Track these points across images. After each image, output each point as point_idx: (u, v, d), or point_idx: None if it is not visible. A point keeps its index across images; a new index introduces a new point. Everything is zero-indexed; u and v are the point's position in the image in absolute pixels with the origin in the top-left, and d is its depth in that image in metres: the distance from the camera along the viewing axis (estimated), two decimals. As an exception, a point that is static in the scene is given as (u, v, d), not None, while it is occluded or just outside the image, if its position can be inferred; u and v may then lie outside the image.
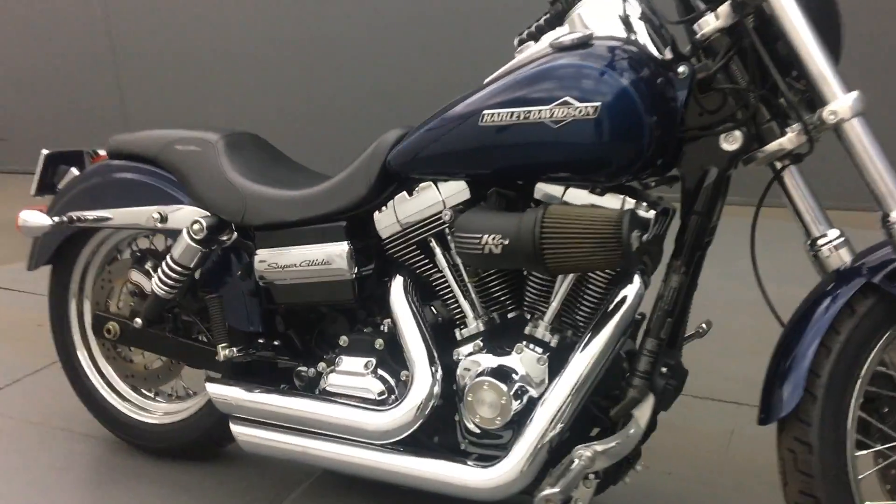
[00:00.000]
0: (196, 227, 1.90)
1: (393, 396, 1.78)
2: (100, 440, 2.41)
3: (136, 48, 6.22)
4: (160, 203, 2.03)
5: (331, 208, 1.81)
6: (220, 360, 1.91)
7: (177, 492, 2.14)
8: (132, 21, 6.16)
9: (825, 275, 1.52)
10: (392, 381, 1.79)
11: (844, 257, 1.50)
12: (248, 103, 5.86)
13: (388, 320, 1.82)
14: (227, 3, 5.82)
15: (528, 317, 1.69)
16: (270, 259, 1.88)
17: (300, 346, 2.00)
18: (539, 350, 1.64)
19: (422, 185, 1.70)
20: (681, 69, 1.51)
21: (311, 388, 1.89)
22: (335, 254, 1.80)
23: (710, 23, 1.48)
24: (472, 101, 1.60)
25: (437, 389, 1.68)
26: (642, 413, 1.52)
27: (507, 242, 1.49)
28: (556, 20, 1.63)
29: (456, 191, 1.67)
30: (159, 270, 1.99)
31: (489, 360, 1.66)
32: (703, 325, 1.81)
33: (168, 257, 1.97)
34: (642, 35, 1.57)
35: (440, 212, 1.68)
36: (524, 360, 1.64)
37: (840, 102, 1.40)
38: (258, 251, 1.90)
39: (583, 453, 1.50)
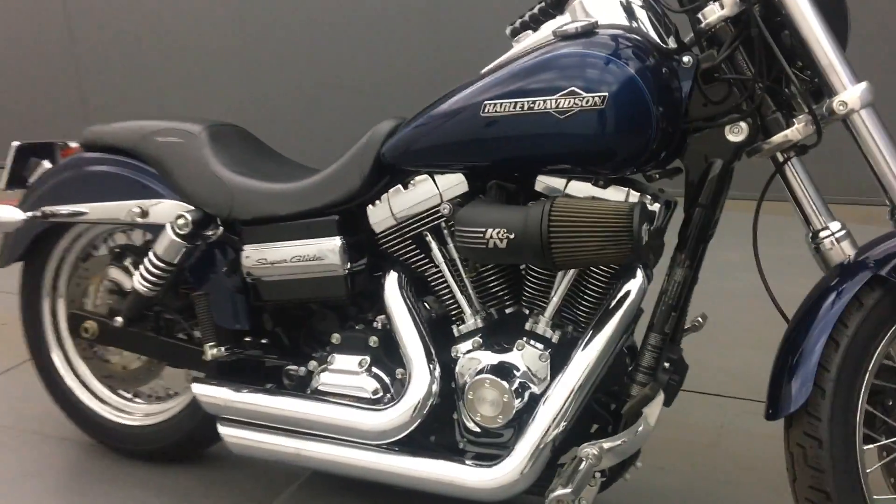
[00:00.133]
0: (181, 221, 1.83)
1: (388, 395, 1.73)
2: (74, 443, 2.32)
3: (97, 38, 6.05)
4: (140, 197, 1.95)
5: (322, 202, 1.76)
6: (207, 360, 1.84)
7: (158, 495, 2.07)
8: (92, 9, 5.99)
9: (827, 268, 1.51)
10: (387, 380, 1.75)
11: (847, 250, 1.49)
12: (218, 94, 5.71)
13: (382, 317, 1.77)
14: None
15: (527, 312, 1.65)
16: (259, 255, 1.82)
17: (288, 344, 1.95)
18: (540, 346, 1.60)
19: (417, 177, 1.65)
20: (685, 59, 1.48)
21: (302, 388, 1.84)
22: (327, 249, 1.74)
23: (714, 11, 1.45)
24: (472, 91, 1.55)
25: (435, 387, 1.63)
26: (652, 411, 1.50)
27: (512, 237, 1.45)
28: (554, 8, 1.59)
29: (453, 183, 1.62)
30: (141, 267, 1.92)
31: (489, 358, 1.62)
32: (700, 319, 1.79)
33: (150, 253, 1.90)
34: (645, 24, 1.55)
35: (437, 205, 1.64)
36: (525, 357, 1.60)
37: (850, 93, 1.39)
38: (245, 246, 1.84)
39: (590, 451, 1.47)
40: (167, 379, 2.23)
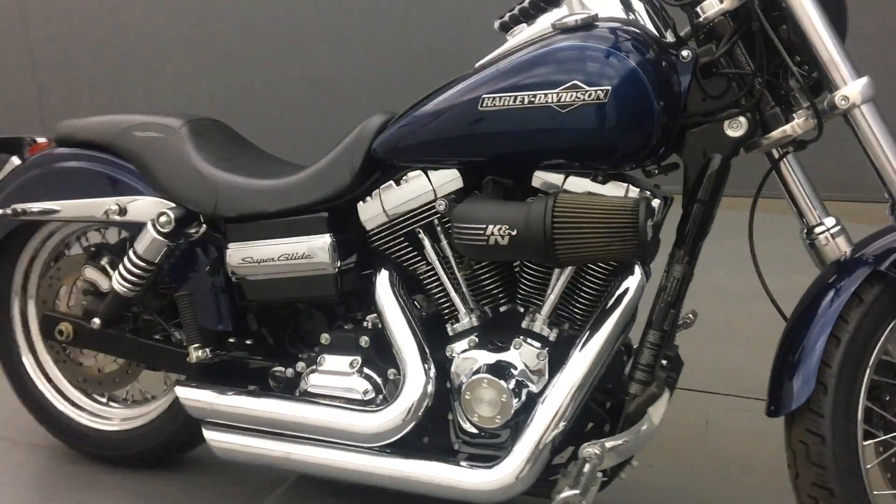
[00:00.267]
0: (162, 219, 1.77)
1: (380, 396, 1.69)
2: (45, 449, 2.24)
3: (54, 32, 5.88)
4: (117, 194, 1.89)
5: (311, 198, 1.71)
6: (191, 362, 1.78)
7: (136, 502, 2.00)
8: (48, 1, 5.82)
9: (822, 263, 1.50)
10: (379, 381, 1.71)
11: (842, 245, 1.49)
12: (183, 89, 5.58)
13: (372, 316, 1.73)
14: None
15: (523, 310, 1.63)
16: (245, 253, 1.76)
17: (273, 344, 1.89)
18: (537, 345, 1.57)
19: (410, 173, 1.61)
20: (684, 53, 1.47)
21: (290, 390, 1.79)
22: (317, 247, 1.69)
23: (713, 5, 1.44)
24: (469, 85, 1.52)
25: (431, 388, 1.60)
26: (657, 409, 1.48)
27: (514, 233, 1.42)
28: (547, 2, 1.56)
29: (448, 179, 1.59)
30: (120, 267, 1.85)
31: (486, 357, 1.59)
32: (690, 315, 1.78)
33: (130, 252, 1.83)
34: (643, 17, 1.53)
35: (431, 201, 1.60)
36: (523, 356, 1.57)
37: (851, 87, 1.38)
38: (230, 245, 1.78)
39: (592, 451, 1.44)
40: (144, 382, 2.16)
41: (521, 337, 1.58)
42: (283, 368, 1.82)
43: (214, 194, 1.78)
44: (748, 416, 2.41)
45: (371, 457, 1.62)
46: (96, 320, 1.94)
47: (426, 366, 1.60)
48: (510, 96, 1.45)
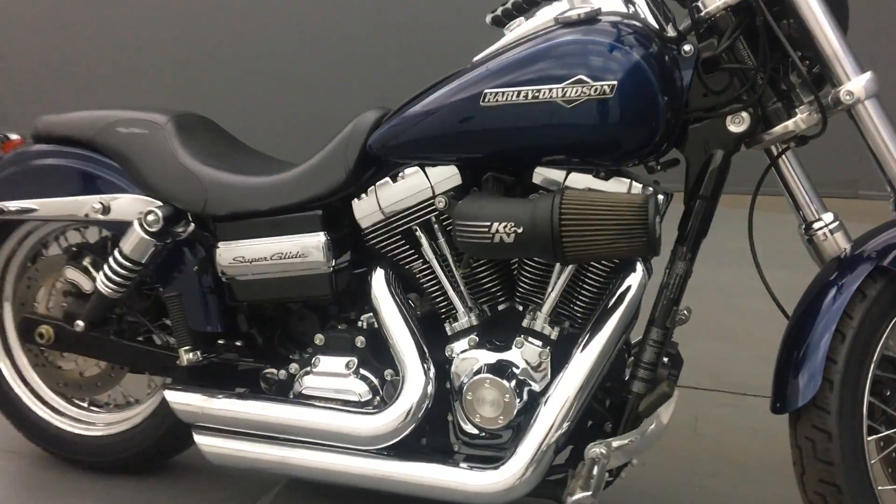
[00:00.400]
0: (150, 217, 1.72)
1: (377, 398, 1.66)
2: (23, 455, 2.16)
3: (15, 28, 5.73)
4: (99, 192, 1.83)
5: (305, 196, 1.67)
6: (182, 365, 1.73)
7: (121, 510, 1.95)
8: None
9: (820, 259, 1.51)
10: (376, 382, 1.67)
11: (840, 242, 1.49)
12: (157, 84, 5.44)
13: (367, 316, 1.70)
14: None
15: (521, 309, 1.61)
16: (236, 252, 1.72)
17: (264, 346, 1.85)
18: (539, 343, 1.55)
19: (407, 169, 1.58)
20: (686, 48, 1.45)
21: (283, 392, 1.75)
22: (311, 245, 1.66)
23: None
24: (469, 80, 1.49)
25: (431, 389, 1.57)
26: (666, 409, 1.47)
27: (520, 230, 1.40)
28: None
29: (446, 176, 1.56)
30: (105, 267, 1.79)
31: (487, 356, 1.56)
32: (685, 312, 1.77)
33: (116, 252, 1.77)
34: (645, 11, 1.51)
35: (429, 198, 1.57)
36: (525, 355, 1.55)
37: (856, 83, 1.38)
38: (220, 244, 1.74)
39: (598, 451, 1.42)
40: (126, 385, 2.09)
41: (522, 336, 1.56)
42: (274, 370, 1.78)
43: (204, 192, 1.73)
44: (736, 413, 2.42)
45: (371, 460, 1.59)
46: (80, 322, 1.87)
47: (426, 366, 1.58)
48: (513, 91, 1.42)
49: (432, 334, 1.63)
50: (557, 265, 1.53)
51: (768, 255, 1.83)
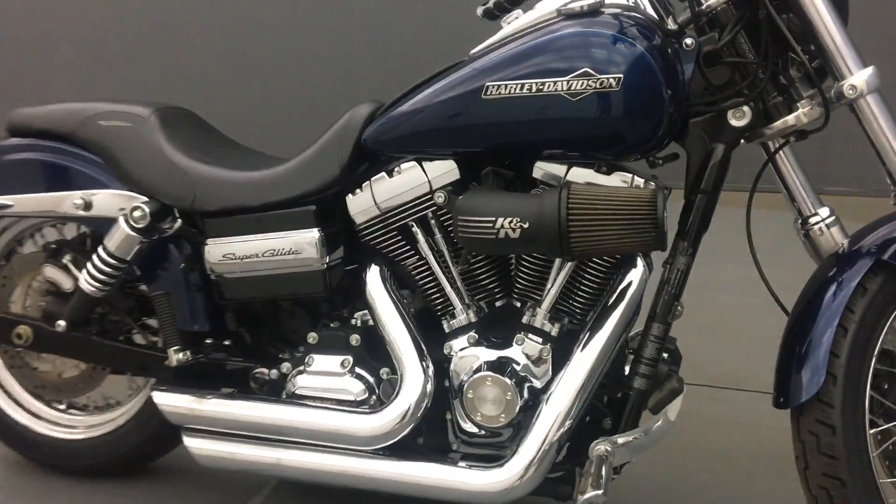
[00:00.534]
0: (137, 213, 1.66)
1: (374, 397, 1.63)
2: (-3, 461, 2.09)
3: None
4: (81, 187, 1.77)
5: (298, 191, 1.63)
6: (171, 365, 1.68)
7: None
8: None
9: (816, 253, 1.51)
10: (372, 380, 1.64)
11: (836, 236, 1.49)
12: (130, 77, 5.28)
13: (361, 313, 1.67)
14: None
15: (519, 305, 1.59)
16: (225, 249, 1.67)
17: (253, 345, 1.80)
18: (539, 340, 1.54)
19: (404, 164, 1.55)
20: (688, 41, 1.44)
21: (274, 392, 1.70)
22: (305, 242, 1.62)
23: None
24: (470, 72, 1.47)
25: (430, 387, 1.54)
26: (674, 405, 1.46)
27: (526, 226, 1.38)
28: None
29: (444, 170, 1.53)
30: (89, 265, 1.73)
31: (487, 354, 1.54)
32: (680, 307, 1.76)
33: (100, 249, 1.71)
34: (646, 3, 1.50)
35: (426, 193, 1.54)
36: (526, 352, 1.53)
37: (859, 77, 1.38)
38: (209, 240, 1.69)
39: (603, 448, 1.41)
40: (106, 386, 2.03)
41: (522, 332, 1.54)
42: (265, 370, 1.73)
43: (192, 187, 1.68)
44: (720, 406, 2.43)
45: (369, 460, 1.56)
46: (61, 322, 1.81)
47: (424, 364, 1.55)
48: (517, 84, 1.40)
49: (426, 332, 1.60)
50: (557, 261, 1.52)
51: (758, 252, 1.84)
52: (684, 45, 1.44)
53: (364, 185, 1.58)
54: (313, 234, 1.61)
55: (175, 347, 1.69)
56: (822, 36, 1.39)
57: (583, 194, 1.37)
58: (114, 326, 1.87)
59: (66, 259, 1.86)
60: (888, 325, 1.43)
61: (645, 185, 1.43)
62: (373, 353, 1.65)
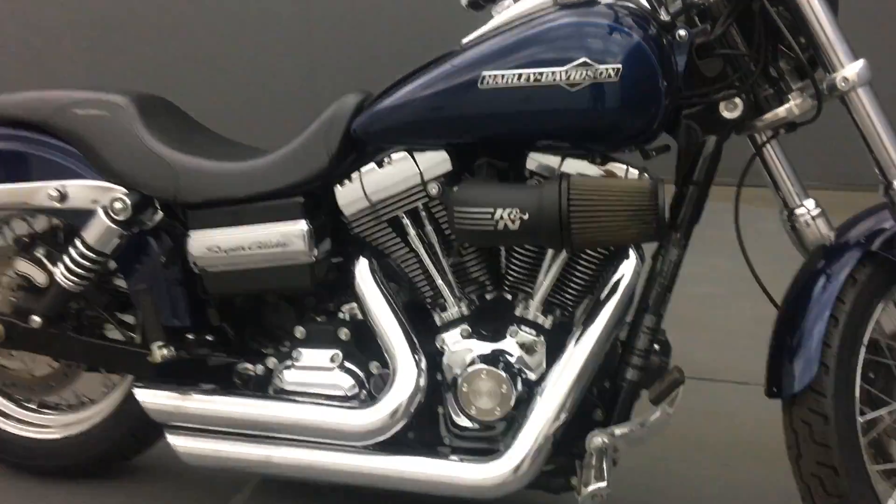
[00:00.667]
0: (117, 205, 1.61)
1: (364, 392, 1.60)
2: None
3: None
4: (55, 177, 1.70)
5: (285, 182, 1.59)
6: (155, 362, 1.63)
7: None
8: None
9: (802, 246, 1.52)
10: (362, 375, 1.61)
11: (822, 228, 1.50)
12: (98, 63, 5.08)
13: (349, 307, 1.64)
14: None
15: (511, 297, 1.57)
16: (210, 242, 1.62)
17: (237, 340, 1.76)
18: (533, 332, 1.53)
19: (395, 155, 1.53)
20: (681, 33, 1.44)
21: (260, 388, 1.67)
22: (292, 234, 1.58)
23: None
24: (464, 61, 1.45)
25: (423, 381, 1.52)
26: (674, 397, 1.46)
27: (526, 217, 1.36)
28: None
29: (436, 161, 1.51)
30: (66, 259, 1.67)
31: (481, 347, 1.53)
32: None
33: (78, 242, 1.66)
34: None
35: (418, 185, 1.52)
36: (520, 345, 1.52)
37: (851, 69, 1.39)
38: (191, 232, 1.64)
39: (601, 440, 1.41)
40: (78, 384, 1.96)
41: (515, 325, 1.53)
42: (250, 365, 1.70)
43: (175, 178, 1.63)
44: (696, 398, 2.43)
45: (362, 456, 1.54)
46: (36, 318, 1.74)
47: (416, 357, 1.53)
48: (514, 74, 1.38)
49: (420, 325, 1.58)
50: (549, 252, 1.51)
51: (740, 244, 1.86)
52: (677, 37, 1.44)
53: (353, 175, 1.55)
54: (301, 225, 1.58)
55: (159, 343, 1.64)
56: (814, 28, 1.40)
57: (584, 185, 1.37)
58: (91, 322, 1.81)
59: (40, 252, 1.80)
60: (878, 314, 1.46)
61: (640, 177, 1.43)
62: (362, 348, 1.63)
